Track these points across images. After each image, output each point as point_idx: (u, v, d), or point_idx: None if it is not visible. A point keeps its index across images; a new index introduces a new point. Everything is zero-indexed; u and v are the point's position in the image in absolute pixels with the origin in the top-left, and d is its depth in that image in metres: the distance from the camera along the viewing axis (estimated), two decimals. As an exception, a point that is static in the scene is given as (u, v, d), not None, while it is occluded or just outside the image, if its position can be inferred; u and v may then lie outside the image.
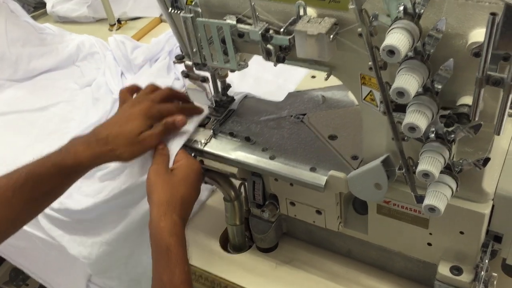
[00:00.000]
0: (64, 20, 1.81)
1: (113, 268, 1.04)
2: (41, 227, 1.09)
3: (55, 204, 0.95)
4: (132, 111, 0.85)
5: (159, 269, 0.74)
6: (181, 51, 0.89)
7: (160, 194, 0.79)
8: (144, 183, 0.83)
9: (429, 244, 0.80)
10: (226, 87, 0.95)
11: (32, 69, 1.46)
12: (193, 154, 0.88)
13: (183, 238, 0.77)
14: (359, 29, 0.58)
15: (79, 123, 1.28)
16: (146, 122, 0.84)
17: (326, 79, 0.73)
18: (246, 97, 0.98)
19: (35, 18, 1.74)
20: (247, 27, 0.71)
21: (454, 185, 0.65)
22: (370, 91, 0.70)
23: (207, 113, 0.93)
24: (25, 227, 1.08)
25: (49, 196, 0.83)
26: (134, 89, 0.93)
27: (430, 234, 0.78)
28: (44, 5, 1.88)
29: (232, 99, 0.95)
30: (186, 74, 0.91)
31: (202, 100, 0.94)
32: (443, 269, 0.78)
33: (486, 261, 0.75)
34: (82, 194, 1.01)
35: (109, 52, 1.46)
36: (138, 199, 0.95)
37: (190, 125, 0.90)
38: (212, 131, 0.90)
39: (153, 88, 0.90)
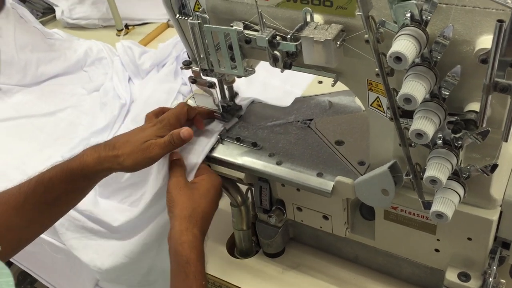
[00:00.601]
0: (72, 26, 1.83)
1: (124, 276, 1.04)
2: (49, 230, 1.09)
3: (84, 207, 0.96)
4: (147, 125, 0.87)
5: (177, 283, 0.76)
6: (188, 57, 0.89)
7: (183, 209, 0.80)
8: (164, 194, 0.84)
9: (437, 250, 0.79)
10: (234, 95, 0.95)
11: (40, 74, 1.47)
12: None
13: (202, 253, 0.79)
14: (366, 36, 0.58)
15: (87, 128, 1.28)
16: (156, 133, 0.84)
17: (333, 85, 0.73)
18: (253, 102, 0.98)
19: (43, 23, 1.76)
20: (254, 33, 0.71)
21: (461, 192, 0.65)
22: (377, 97, 0.70)
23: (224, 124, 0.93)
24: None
25: (60, 201, 0.83)
26: (160, 112, 0.92)
27: (438, 240, 0.78)
28: (52, 10, 1.90)
29: (239, 107, 0.96)
30: (193, 80, 0.91)
31: (209, 106, 0.95)
32: (451, 275, 0.78)
33: (494, 267, 0.75)
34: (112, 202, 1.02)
35: (117, 58, 1.46)
36: (160, 211, 0.94)
37: (212, 139, 0.90)
38: (219, 136, 0.90)
39: (180, 105, 0.90)
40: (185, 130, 0.84)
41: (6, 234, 0.78)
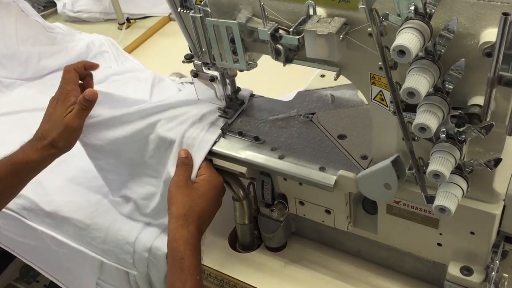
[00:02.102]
0: (73, 20, 1.83)
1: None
2: (52, 224, 1.09)
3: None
4: (51, 104, 0.93)
5: (172, 277, 0.78)
6: (190, 50, 0.89)
7: (179, 207, 0.82)
8: None
9: (439, 245, 0.79)
10: (236, 90, 0.95)
11: (42, 68, 1.47)
12: None
13: (198, 249, 0.81)
14: (369, 29, 0.58)
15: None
16: (65, 106, 0.90)
17: (336, 78, 0.73)
18: (254, 96, 0.98)
19: (44, 17, 1.76)
20: (257, 25, 0.71)
21: (464, 186, 0.64)
22: (380, 90, 0.69)
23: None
24: (36, 225, 1.10)
25: (5, 194, 0.91)
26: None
27: (440, 234, 0.78)
28: (53, 4, 1.89)
29: (242, 101, 0.95)
30: (195, 74, 0.91)
31: (211, 100, 0.94)
32: (453, 270, 0.78)
33: (497, 261, 0.75)
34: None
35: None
36: None
37: (213, 135, 0.90)
38: (221, 130, 0.90)
39: (65, 70, 0.95)
40: (88, 92, 0.91)
41: None
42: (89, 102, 0.90)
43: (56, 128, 0.89)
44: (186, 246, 0.79)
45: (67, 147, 0.92)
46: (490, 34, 0.54)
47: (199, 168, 0.88)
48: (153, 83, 1.34)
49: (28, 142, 0.91)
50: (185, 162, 0.88)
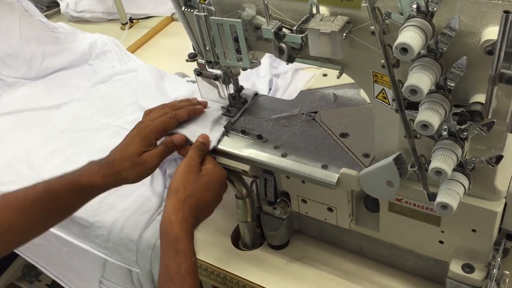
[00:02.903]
0: (76, 19, 1.83)
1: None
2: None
3: None
4: (131, 135, 0.90)
5: (167, 260, 0.77)
6: (193, 49, 0.89)
7: (179, 191, 0.81)
8: None
9: (441, 242, 0.80)
10: (239, 89, 0.95)
11: (45, 68, 1.47)
12: None
13: (192, 233, 0.80)
14: (372, 27, 0.58)
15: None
16: (144, 143, 0.88)
17: (339, 77, 0.73)
18: (257, 95, 0.99)
19: (48, 17, 1.76)
20: (260, 24, 0.71)
21: (466, 183, 0.65)
22: (382, 89, 0.70)
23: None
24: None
25: (63, 212, 0.88)
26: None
27: (442, 232, 0.78)
28: (56, 4, 1.90)
29: (245, 100, 0.96)
30: (199, 72, 0.91)
31: (214, 98, 0.95)
32: (455, 267, 0.78)
33: (498, 259, 0.75)
34: None
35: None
36: None
37: (216, 134, 0.90)
38: (224, 129, 0.91)
39: (168, 118, 0.91)
40: (178, 137, 0.89)
41: (5, 234, 0.81)
42: (176, 147, 0.90)
43: (128, 161, 0.86)
44: (181, 229, 0.78)
45: (136, 181, 0.89)
46: (491, 32, 0.55)
47: (205, 162, 0.88)
48: (156, 80, 1.35)
49: (97, 164, 0.87)
50: (201, 147, 0.87)
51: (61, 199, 0.84)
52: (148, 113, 0.95)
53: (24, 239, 0.85)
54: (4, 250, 0.82)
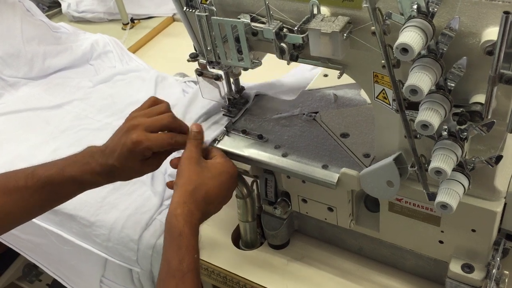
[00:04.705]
0: (78, 20, 1.84)
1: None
2: (56, 221, 1.10)
3: None
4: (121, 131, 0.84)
5: (169, 254, 0.75)
6: (195, 49, 0.90)
7: (186, 183, 0.79)
8: None
9: (441, 242, 0.80)
10: (240, 89, 0.95)
11: (47, 68, 1.48)
12: None
13: (196, 229, 0.78)
14: (373, 28, 0.58)
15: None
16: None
17: (339, 77, 0.74)
18: (258, 95, 0.99)
19: (49, 17, 1.77)
20: (261, 25, 0.72)
21: (466, 183, 0.65)
22: (383, 89, 0.70)
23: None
24: (41, 223, 1.11)
25: (59, 202, 0.88)
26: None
27: (442, 232, 0.78)
28: (58, 4, 1.91)
29: (246, 100, 0.96)
30: (200, 72, 0.92)
31: (215, 99, 0.95)
32: (455, 267, 0.79)
33: (498, 259, 0.75)
34: None
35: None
36: None
37: (214, 133, 0.91)
38: (225, 128, 0.91)
39: (150, 104, 0.88)
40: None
41: (1, 219, 0.81)
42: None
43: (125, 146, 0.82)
44: (185, 224, 0.75)
45: (129, 162, 0.83)
46: (491, 33, 0.55)
47: (214, 155, 0.86)
48: (156, 82, 1.36)
49: (97, 152, 0.85)
50: (197, 137, 0.85)
51: (61, 192, 0.84)
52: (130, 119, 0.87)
53: (15, 225, 0.85)
54: None
